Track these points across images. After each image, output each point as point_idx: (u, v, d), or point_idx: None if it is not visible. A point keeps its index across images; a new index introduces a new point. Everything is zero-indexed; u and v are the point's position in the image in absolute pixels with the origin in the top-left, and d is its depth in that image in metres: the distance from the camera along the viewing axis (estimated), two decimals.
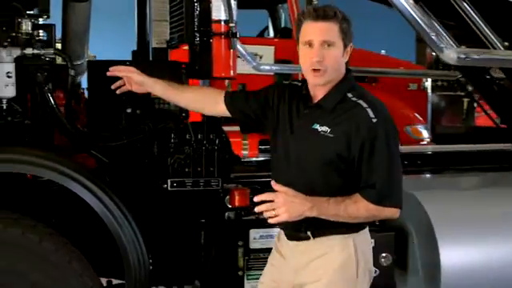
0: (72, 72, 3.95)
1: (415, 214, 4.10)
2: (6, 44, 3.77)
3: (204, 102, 3.49)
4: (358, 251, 3.12)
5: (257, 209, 3.03)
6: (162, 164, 3.93)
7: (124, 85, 3.53)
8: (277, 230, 3.49)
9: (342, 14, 3.08)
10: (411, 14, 4.07)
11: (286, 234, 3.24)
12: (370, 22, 8.88)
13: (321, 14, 3.02)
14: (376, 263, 3.93)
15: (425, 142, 8.20)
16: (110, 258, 3.84)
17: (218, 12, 4.12)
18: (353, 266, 3.11)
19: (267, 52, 8.69)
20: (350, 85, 3.15)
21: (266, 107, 3.29)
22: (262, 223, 3.89)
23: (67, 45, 4.14)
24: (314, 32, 3.02)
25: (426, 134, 8.30)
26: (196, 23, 4.07)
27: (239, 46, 5.70)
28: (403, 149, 4.76)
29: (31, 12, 3.87)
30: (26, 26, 3.79)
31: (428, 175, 4.69)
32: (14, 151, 3.60)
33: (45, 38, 3.90)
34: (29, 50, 3.83)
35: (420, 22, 4.06)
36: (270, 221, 3.00)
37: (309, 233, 3.11)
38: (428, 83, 8.47)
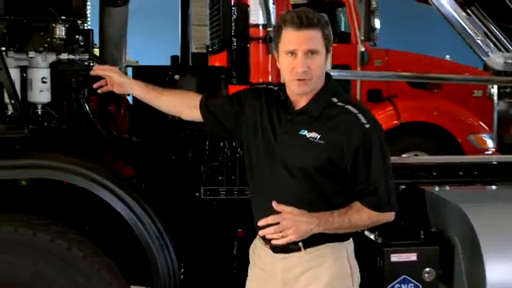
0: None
1: (461, 227, 3.91)
2: (41, 49, 3.76)
3: (181, 105, 3.40)
4: (351, 259, 3.08)
5: (262, 232, 2.97)
6: (195, 172, 3.87)
7: (106, 85, 3.47)
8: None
9: (324, 19, 3.00)
10: (454, 17, 3.89)
11: (271, 247, 3.09)
12: (434, 27, 8.65)
13: (305, 22, 2.91)
14: (418, 278, 3.80)
15: (489, 152, 7.94)
16: (141, 266, 3.79)
17: (256, 16, 4.06)
18: (348, 275, 3.05)
19: None
20: (333, 90, 3.08)
21: (238, 112, 3.19)
22: None
23: (104, 50, 4.12)
24: (297, 41, 2.92)
25: (490, 143, 8.02)
26: (233, 28, 4.01)
27: None
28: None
29: (67, 17, 3.84)
30: (61, 31, 3.77)
31: (474, 186, 4.49)
32: (45, 157, 3.58)
33: (82, 43, 3.89)
34: (64, 56, 3.82)
35: (463, 24, 3.87)
36: (277, 242, 2.93)
37: (300, 244, 3.00)
38: (494, 90, 8.19)
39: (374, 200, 2.97)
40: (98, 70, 3.50)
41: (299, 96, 3.04)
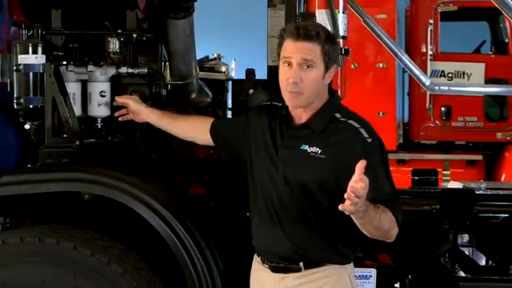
0: (163, 91, 3.87)
1: None
2: (102, 63, 3.79)
3: (194, 131, 3.44)
4: (353, 283, 3.00)
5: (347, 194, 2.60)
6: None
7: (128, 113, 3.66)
8: (370, 270, 3.18)
9: (326, 34, 2.94)
10: None
11: (270, 267, 3.00)
12: None
13: (302, 34, 2.88)
14: None
15: None
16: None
17: None
18: None
19: (477, 70, 8.05)
20: (337, 106, 3.05)
21: (244, 132, 3.15)
22: (358, 261, 3.55)
23: (171, 64, 4.07)
24: (293, 51, 2.89)
25: None
26: None
27: (410, 64, 5.34)
28: None
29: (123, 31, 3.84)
30: (119, 45, 3.77)
31: None
32: (78, 170, 3.57)
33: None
34: (123, 69, 3.81)
35: None
36: (347, 207, 2.58)
37: (301, 264, 2.94)
38: None
39: (392, 206, 2.85)
40: (118, 99, 3.69)
41: (300, 110, 2.99)
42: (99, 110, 3.82)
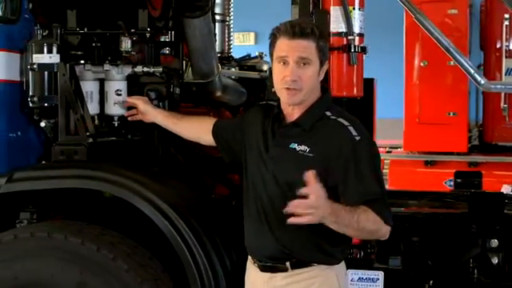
0: (177, 90, 3.89)
1: None
2: (118, 62, 3.85)
3: (199, 131, 3.48)
4: (341, 284, 2.97)
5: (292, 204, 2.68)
6: None
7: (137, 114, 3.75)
8: (377, 273, 3.11)
9: (320, 31, 2.95)
10: None
11: (259, 266, 3.00)
12: None
13: (297, 32, 2.87)
14: None
15: None
16: None
17: (338, 24, 3.75)
18: None
19: None
20: (328, 104, 3.03)
21: (242, 132, 3.15)
22: (363, 263, 3.47)
23: (192, 62, 4.07)
24: (289, 49, 2.88)
25: None
26: None
27: (464, 62, 5.18)
28: None
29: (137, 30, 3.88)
30: (133, 43, 3.82)
31: None
32: (84, 167, 3.64)
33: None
34: (139, 68, 3.86)
35: None
36: (295, 220, 2.67)
37: (287, 264, 2.93)
38: None
39: (378, 206, 2.83)
40: (128, 99, 3.80)
41: (292, 108, 2.98)
42: (115, 108, 3.88)
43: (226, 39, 5.03)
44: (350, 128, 2.89)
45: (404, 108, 8.19)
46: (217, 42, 4.80)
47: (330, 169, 2.84)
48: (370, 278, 3.46)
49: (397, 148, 8.73)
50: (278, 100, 3.03)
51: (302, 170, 2.78)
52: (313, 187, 2.64)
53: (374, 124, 4.92)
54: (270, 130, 3.03)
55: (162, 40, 4.03)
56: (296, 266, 2.93)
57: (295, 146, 2.92)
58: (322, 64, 2.93)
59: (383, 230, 2.88)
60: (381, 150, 8.94)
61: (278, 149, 2.98)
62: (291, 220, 2.68)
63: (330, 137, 2.89)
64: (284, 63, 2.89)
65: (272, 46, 2.96)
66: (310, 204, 2.64)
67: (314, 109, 2.97)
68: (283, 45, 2.89)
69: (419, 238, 3.99)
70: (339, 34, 3.74)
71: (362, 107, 4.35)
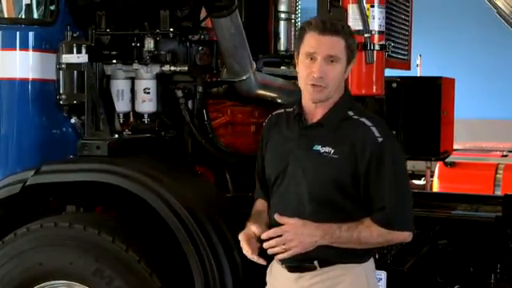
0: (200, 88, 3.98)
1: None
2: (146, 61, 4.00)
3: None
4: (370, 282, 2.92)
5: (266, 245, 2.81)
6: None
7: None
8: (380, 273, 3.09)
9: (350, 29, 2.92)
10: None
11: (286, 266, 2.94)
12: None
13: (328, 28, 2.81)
14: None
15: None
16: None
17: (355, 21, 3.70)
18: None
19: None
20: (351, 103, 2.96)
21: (263, 150, 3.09)
22: None
23: (224, 62, 4.15)
24: (318, 45, 2.81)
25: None
26: None
27: None
28: None
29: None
30: (156, 43, 3.97)
31: None
32: (102, 161, 3.79)
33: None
34: (166, 67, 4.00)
35: None
36: (281, 256, 2.80)
37: (315, 262, 2.87)
38: None
39: (381, 216, 2.80)
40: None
41: (315, 106, 2.90)
42: (143, 105, 4.05)
43: (292, 37, 4.95)
44: (373, 129, 2.83)
45: None
46: (281, 41, 4.86)
47: (354, 170, 2.81)
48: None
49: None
50: (299, 100, 2.95)
51: (326, 172, 2.80)
52: (287, 224, 2.71)
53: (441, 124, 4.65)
54: (292, 132, 2.96)
55: (196, 39, 4.14)
56: (324, 264, 2.88)
57: (319, 147, 2.86)
58: (348, 62, 2.87)
59: (400, 237, 2.87)
60: (496, 154, 8.61)
61: (301, 151, 2.91)
62: (279, 257, 2.80)
63: (353, 138, 2.83)
64: (311, 59, 2.82)
65: (300, 39, 2.89)
66: (285, 238, 2.72)
67: (337, 108, 2.90)
68: (312, 40, 2.82)
69: (447, 240, 3.87)
70: (357, 32, 3.67)
71: (427, 108, 4.27)
